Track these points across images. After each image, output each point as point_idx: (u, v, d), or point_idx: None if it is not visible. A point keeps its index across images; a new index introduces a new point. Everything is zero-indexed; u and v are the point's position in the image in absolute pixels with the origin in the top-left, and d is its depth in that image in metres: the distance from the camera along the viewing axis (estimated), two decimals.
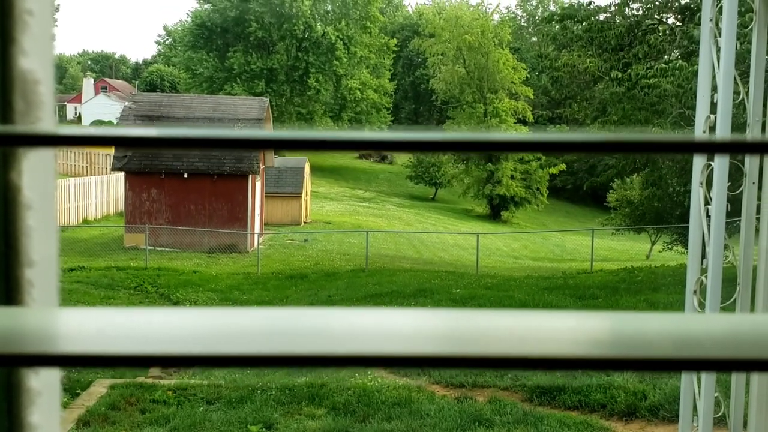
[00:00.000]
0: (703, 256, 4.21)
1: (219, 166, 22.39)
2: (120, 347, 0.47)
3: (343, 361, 0.46)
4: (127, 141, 0.47)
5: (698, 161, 4.26)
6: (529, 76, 48.11)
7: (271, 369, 9.52)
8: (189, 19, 55.51)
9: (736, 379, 4.29)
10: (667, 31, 17.14)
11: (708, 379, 4.15)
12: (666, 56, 16.71)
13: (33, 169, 0.60)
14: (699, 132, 4.14)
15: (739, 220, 4.16)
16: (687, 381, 4.33)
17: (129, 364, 0.46)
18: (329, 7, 53.84)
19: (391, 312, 0.52)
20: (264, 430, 7.77)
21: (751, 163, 4.16)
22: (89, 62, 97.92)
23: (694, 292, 4.24)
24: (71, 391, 8.66)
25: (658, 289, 14.93)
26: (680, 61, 15.48)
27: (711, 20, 4.09)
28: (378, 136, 0.45)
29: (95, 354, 0.46)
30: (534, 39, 61.06)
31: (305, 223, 30.30)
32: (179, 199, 22.53)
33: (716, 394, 4.19)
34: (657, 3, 17.43)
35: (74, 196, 28.08)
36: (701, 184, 4.19)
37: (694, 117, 4.29)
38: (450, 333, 0.49)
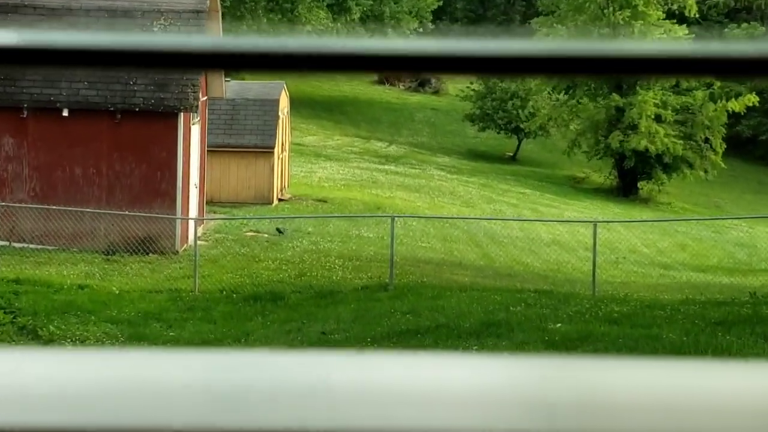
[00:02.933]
0: None
1: (126, 97, 22.50)
2: None
3: None
4: None
5: None
6: None
7: None
8: None
9: None
10: None
11: None
12: None
13: None
14: None
15: None
16: None
17: None
18: None
19: (436, 359, 0.53)
20: None
21: None
22: None
23: None
24: None
25: None
26: None
27: None
28: (411, 47, 0.46)
29: None
30: None
31: (280, 200, 30.42)
32: (55, 157, 22.70)
33: None
34: None
35: None
36: None
37: None
38: (544, 396, 0.50)
